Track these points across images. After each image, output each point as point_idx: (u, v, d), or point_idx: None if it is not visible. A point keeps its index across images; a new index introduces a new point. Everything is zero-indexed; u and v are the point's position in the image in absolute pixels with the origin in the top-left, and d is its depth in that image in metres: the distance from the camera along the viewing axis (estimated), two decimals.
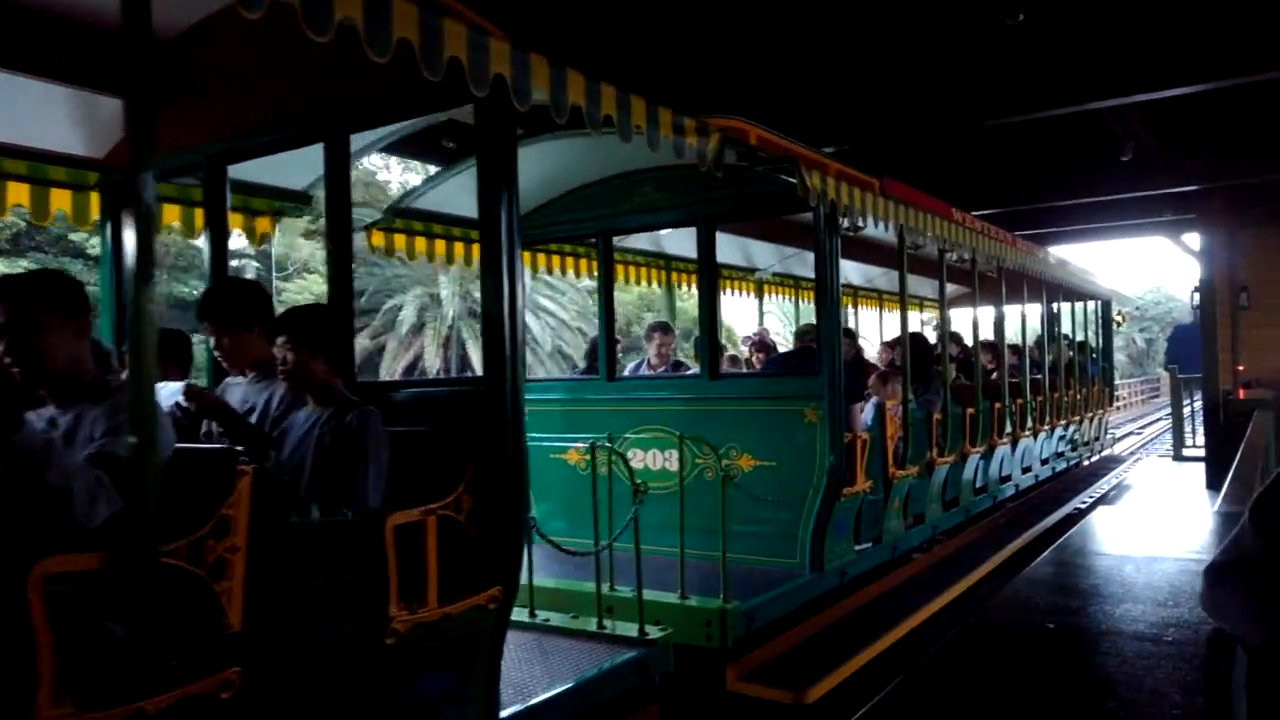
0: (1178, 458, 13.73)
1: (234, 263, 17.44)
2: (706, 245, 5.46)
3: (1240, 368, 12.22)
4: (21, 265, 19.94)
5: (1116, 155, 9.82)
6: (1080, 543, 5.48)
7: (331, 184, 3.37)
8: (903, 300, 6.48)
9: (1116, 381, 43.97)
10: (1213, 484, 10.55)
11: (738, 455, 5.21)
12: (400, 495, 2.75)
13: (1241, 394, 11.88)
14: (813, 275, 9.29)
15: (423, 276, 23.47)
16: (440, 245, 5.75)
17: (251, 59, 3.24)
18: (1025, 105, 8.10)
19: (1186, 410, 14.36)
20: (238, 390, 3.24)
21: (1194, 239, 12.86)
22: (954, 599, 6.16)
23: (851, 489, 5.16)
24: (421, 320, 24.23)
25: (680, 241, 7.76)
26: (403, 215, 5.45)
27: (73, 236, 20.03)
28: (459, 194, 5.31)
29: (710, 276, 5.58)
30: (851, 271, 9.79)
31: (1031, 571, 4.90)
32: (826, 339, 5.03)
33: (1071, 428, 11.22)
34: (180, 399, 2.90)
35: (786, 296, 10.07)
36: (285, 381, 2.95)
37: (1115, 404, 33.01)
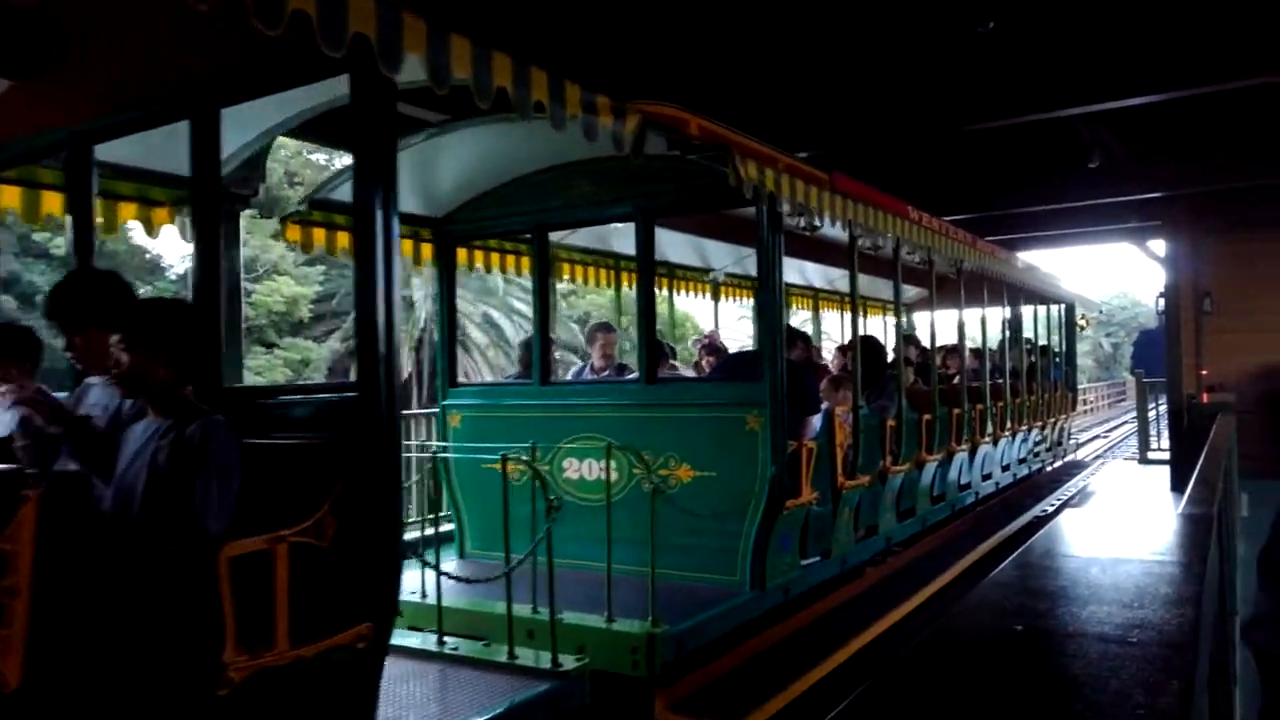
0: (1143, 460, 13.86)
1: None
2: (644, 241, 5.08)
3: (1204, 372, 12.33)
4: None
5: (1085, 162, 9.92)
6: (1047, 545, 5.48)
7: (198, 164, 2.96)
8: (854, 301, 6.21)
9: (1083, 385, 44.57)
10: (1177, 486, 10.63)
11: (676, 465, 4.86)
12: (254, 519, 2.36)
13: (1205, 398, 11.99)
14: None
15: None
16: None
17: (118, 29, 2.82)
18: (996, 112, 8.14)
19: (1151, 414, 14.52)
20: (94, 392, 2.85)
21: (1159, 245, 12.97)
22: (905, 615, 5.86)
23: (796, 500, 4.85)
24: None
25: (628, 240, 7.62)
26: (323, 207, 4.97)
27: (35, 236, 19.65)
28: None
29: (647, 274, 5.19)
30: (814, 274, 9.58)
31: (999, 574, 4.86)
32: (769, 342, 4.71)
33: (1034, 433, 10.95)
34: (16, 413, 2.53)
35: (745, 298, 9.60)
36: (118, 387, 2.54)
37: (1079, 408, 33.61)
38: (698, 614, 4.21)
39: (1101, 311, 18.08)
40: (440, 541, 4.30)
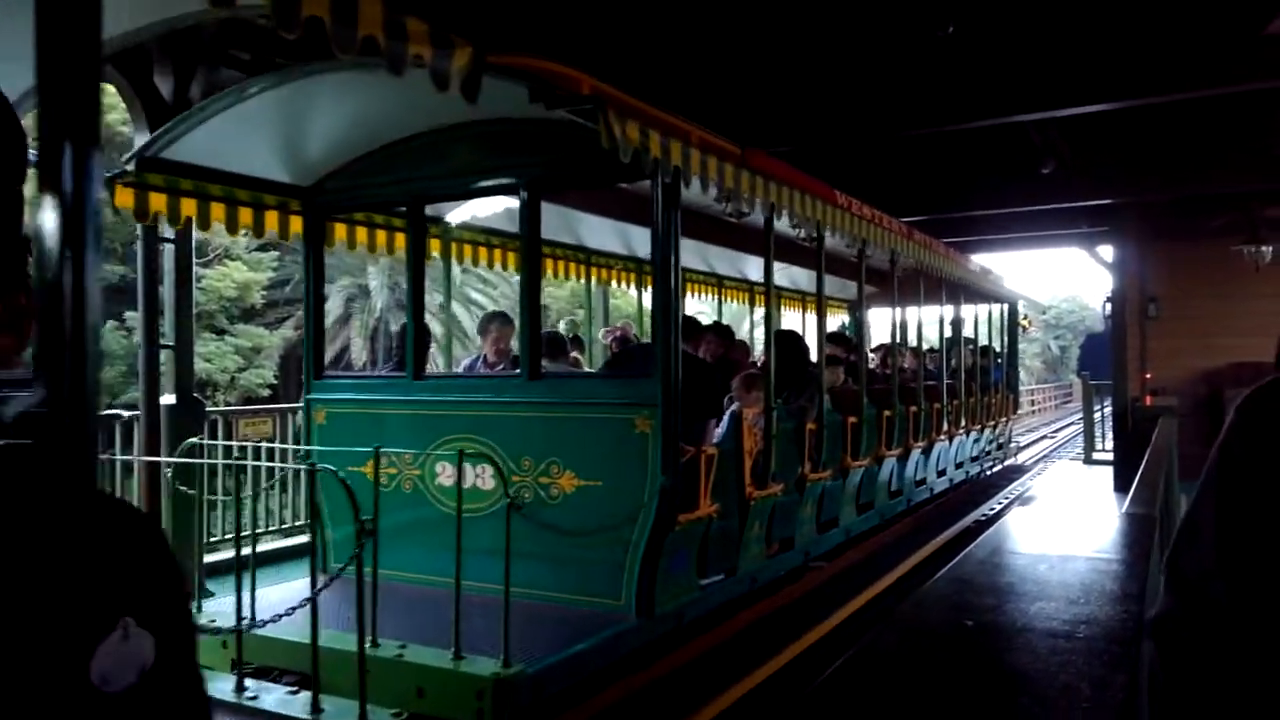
0: (1088, 461, 14.15)
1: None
2: (529, 217, 4.43)
3: (1148, 376, 12.59)
4: None
5: (1038, 168, 10.09)
6: (996, 542, 5.59)
7: None
8: (768, 293, 5.69)
9: (1031, 387, 45.36)
10: (1120, 486, 10.89)
11: (559, 472, 4.25)
12: None
13: (1148, 401, 12.27)
14: (744, 272, 8.42)
15: (351, 267, 22.85)
16: (218, 209, 4.61)
17: None
18: (952, 116, 8.25)
19: (1097, 415, 14.84)
20: None
21: (1108, 251, 13.21)
22: (822, 637, 5.29)
23: (691, 514, 4.29)
24: (349, 312, 23.61)
25: (604, 236, 7.27)
26: (160, 168, 4.30)
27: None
28: (243, 135, 4.25)
29: (532, 254, 4.54)
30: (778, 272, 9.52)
31: (950, 570, 4.96)
32: (662, 334, 4.10)
33: (973, 436, 10.51)
34: None
35: (696, 294, 9.40)
36: None
37: (1026, 409, 34.18)
38: (568, 647, 3.63)
39: (1045, 312, 18.15)
40: (308, 555, 3.82)
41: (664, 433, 4.06)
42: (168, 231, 5.35)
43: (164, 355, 5.67)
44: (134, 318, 18.88)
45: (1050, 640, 2.37)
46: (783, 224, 5.43)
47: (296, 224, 5.10)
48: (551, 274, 7.59)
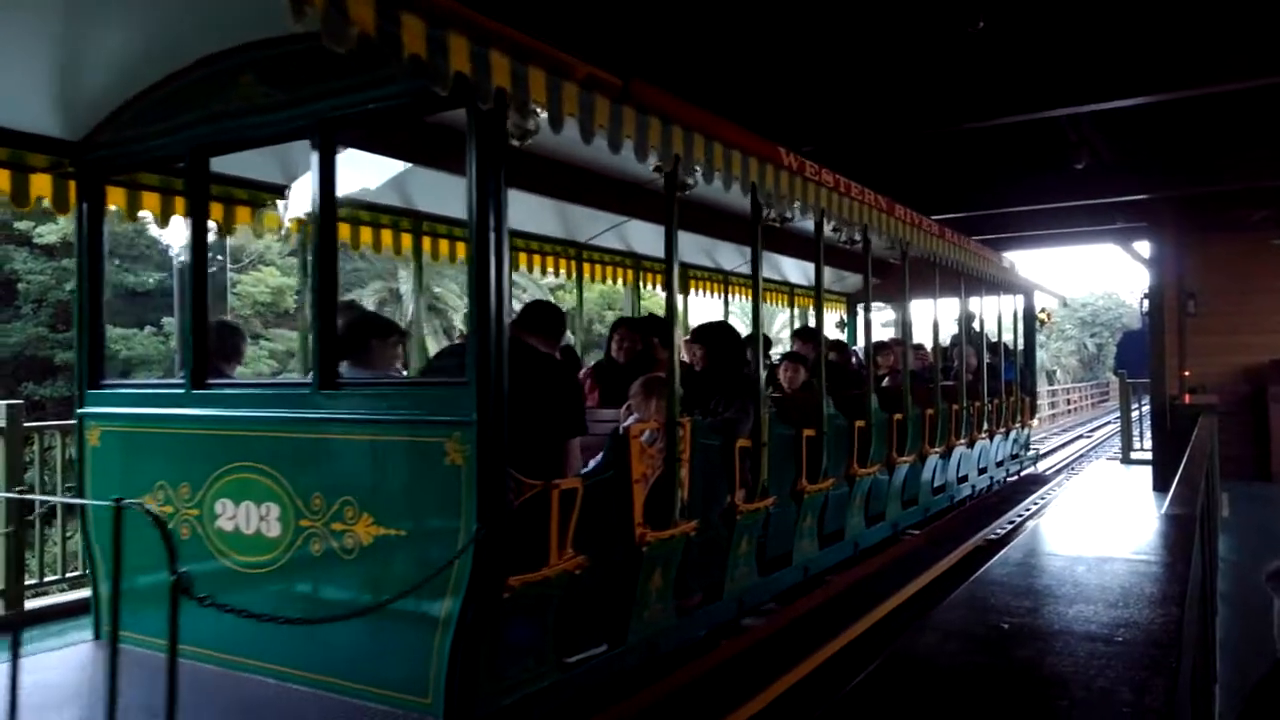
0: (1126, 460, 13.96)
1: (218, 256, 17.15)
2: (322, 169, 3.40)
3: (1186, 373, 12.41)
4: None
5: (1071, 163, 9.99)
6: (1033, 544, 5.55)
7: None
8: (669, 274, 4.28)
9: (1067, 385, 44.70)
10: (1159, 486, 10.72)
11: (354, 516, 3.24)
12: None
13: (1187, 399, 12.08)
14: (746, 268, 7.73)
15: (382, 271, 23.16)
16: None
17: None
18: (984, 112, 8.21)
19: (1135, 414, 14.63)
20: None
21: (1144, 247, 13.03)
22: None
23: (536, 573, 3.20)
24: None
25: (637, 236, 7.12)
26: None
27: (19, 224, 19.45)
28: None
29: (327, 223, 3.47)
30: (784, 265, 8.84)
31: (986, 573, 4.91)
32: (483, 324, 3.02)
33: (980, 446, 9.22)
34: None
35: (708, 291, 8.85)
36: None
37: (1063, 408, 33.71)
38: None
39: (1067, 304, 17.13)
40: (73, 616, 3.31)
41: (481, 463, 2.97)
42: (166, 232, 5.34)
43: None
44: (170, 323, 19.20)
45: (1089, 644, 2.35)
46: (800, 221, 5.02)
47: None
48: (535, 268, 7.14)
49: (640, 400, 4.45)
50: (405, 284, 23.26)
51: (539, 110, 3.09)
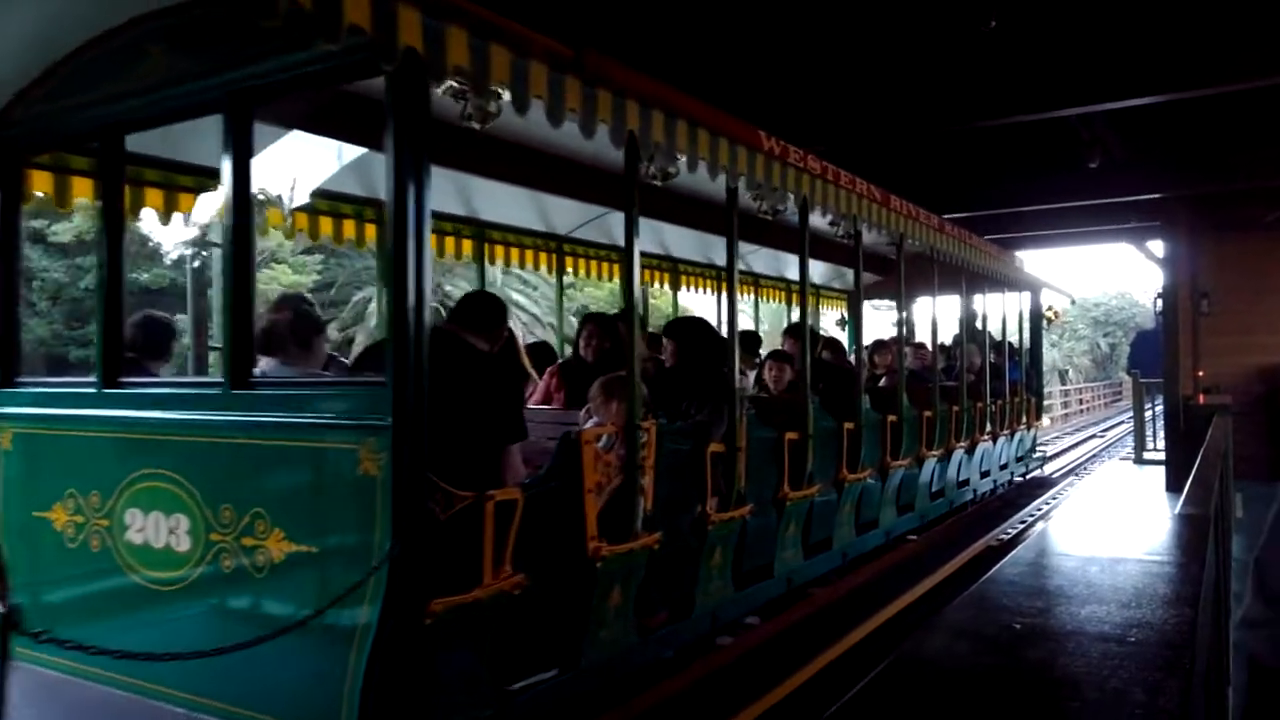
0: (1139, 461, 13.89)
1: (204, 252, 17.17)
2: (236, 143, 3.08)
3: (1200, 373, 12.36)
4: None
5: (1084, 162, 9.96)
6: (1046, 544, 5.53)
7: None
8: (628, 265, 3.97)
9: (1079, 385, 44.43)
10: (1172, 486, 10.67)
11: (265, 530, 2.92)
12: None
13: (1201, 399, 12.03)
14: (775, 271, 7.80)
15: None
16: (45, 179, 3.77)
17: None
18: (997, 111, 8.21)
19: (1148, 414, 14.56)
20: None
21: (1158, 246, 12.98)
22: None
23: (467, 595, 2.89)
24: None
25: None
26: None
27: (34, 223, 19.60)
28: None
29: (241, 207, 3.12)
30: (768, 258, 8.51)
31: (998, 572, 4.90)
32: (401, 317, 2.70)
33: (981, 449, 8.84)
34: None
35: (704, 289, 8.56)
36: None
37: (1075, 408, 33.54)
38: None
39: (1075, 302, 16.64)
40: None
41: (397, 472, 2.66)
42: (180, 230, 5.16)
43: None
44: (183, 320, 19.33)
45: (1102, 644, 2.34)
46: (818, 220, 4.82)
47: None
48: (514, 263, 6.90)
49: (600, 402, 4.08)
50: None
51: (501, 92, 2.85)
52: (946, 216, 7.79)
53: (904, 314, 7.45)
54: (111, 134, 3.50)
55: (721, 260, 8.23)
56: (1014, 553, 5.73)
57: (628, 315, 3.97)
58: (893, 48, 7.73)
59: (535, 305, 24.51)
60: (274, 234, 5.47)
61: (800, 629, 5.24)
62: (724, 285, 8.69)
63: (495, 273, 23.10)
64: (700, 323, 5.42)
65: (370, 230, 5.42)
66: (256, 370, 3.31)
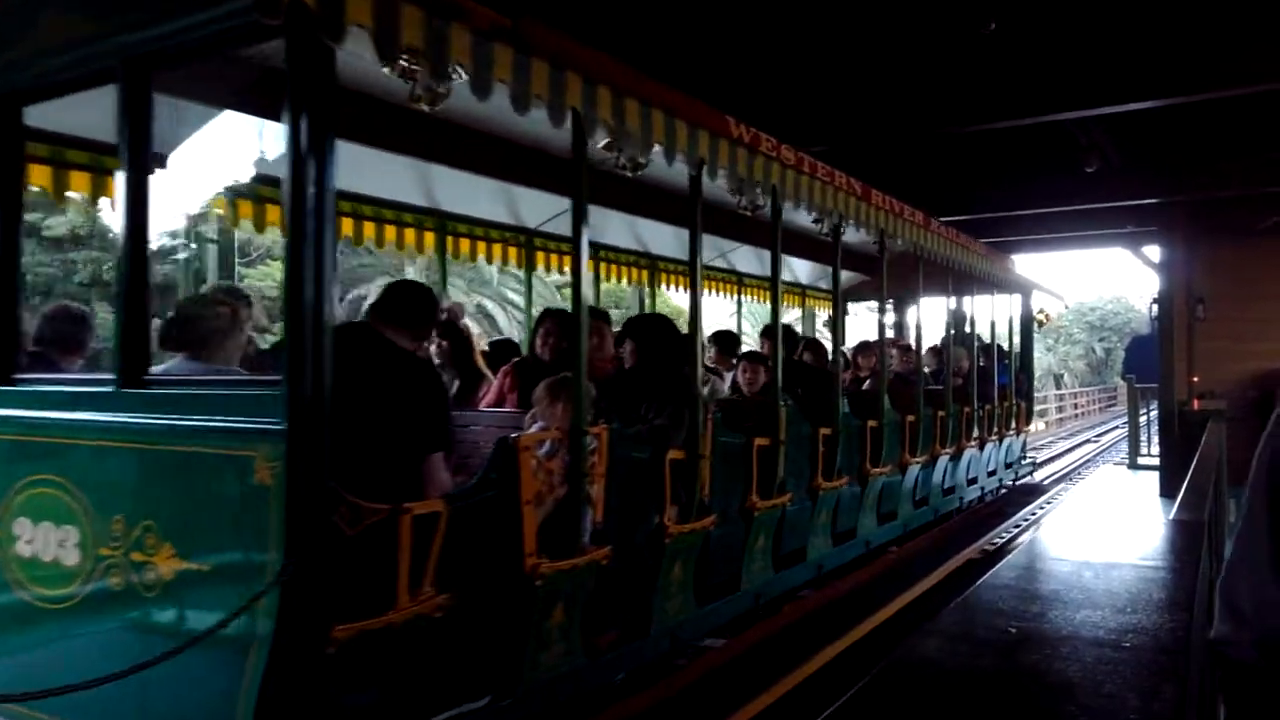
0: (1133, 466, 13.92)
1: (195, 246, 17.12)
2: (132, 116, 2.84)
3: (1195, 379, 12.38)
4: None
5: (1081, 167, 9.97)
6: (1040, 548, 5.56)
7: None
8: (576, 259, 3.58)
9: (1075, 389, 44.44)
10: (1166, 492, 10.69)
11: (155, 545, 2.64)
12: None
13: (1196, 405, 12.05)
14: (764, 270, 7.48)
15: (388, 266, 23.22)
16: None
17: None
18: (995, 114, 8.23)
19: (1142, 419, 14.59)
20: None
21: (1154, 251, 13.02)
22: None
23: (362, 624, 2.58)
24: None
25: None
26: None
27: (28, 216, 19.58)
28: None
29: (136, 186, 2.88)
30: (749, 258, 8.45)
31: (993, 577, 4.91)
32: (297, 309, 2.45)
33: (968, 455, 8.53)
34: None
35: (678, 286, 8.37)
36: None
37: (1070, 412, 33.61)
38: None
39: (1068, 306, 16.54)
40: None
41: (293, 482, 2.41)
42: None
43: None
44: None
45: (1097, 649, 2.34)
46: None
47: None
48: (480, 256, 6.62)
49: (545, 405, 3.71)
50: (412, 278, 23.32)
51: (413, 62, 2.60)
52: (944, 219, 7.79)
53: (885, 314, 7.24)
54: (7, 105, 3.23)
55: (710, 260, 8.30)
56: (1009, 557, 5.72)
57: (575, 310, 3.61)
58: (893, 50, 7.73)
59: (533, 306, 24.50)
60: (270, 231, 5.34)
61: (768, 646, 4.95)
62: (715, 283, 8.78)
63: (491, 270, 23.08)
64: (661, 321, 5.13)
65: (347, 224, 5.28)
66: (160, 368, 3.06)
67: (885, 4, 7.09)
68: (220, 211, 4.67)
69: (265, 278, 21.30)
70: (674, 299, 8.71)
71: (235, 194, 4.69)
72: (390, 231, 5.64)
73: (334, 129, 2.53)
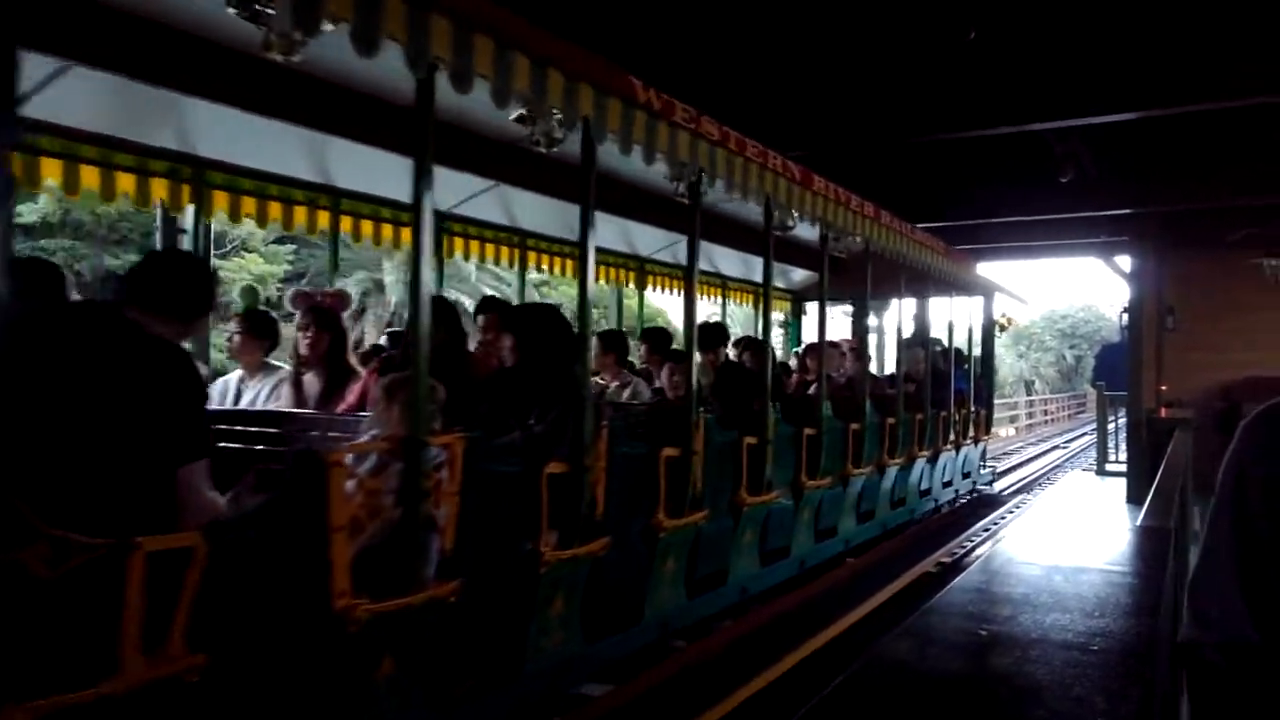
0: (1101, 472, 14.09)
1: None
2: None
3: (1163, 387, 12.55)
4: None
5: (1057, 176, 10.08)
6: (1010, 552, 5.62)
7: None
8: (417, 233, 2.80)
9: (1045, 395, 44.84)
10: (1133, 498, 10.84)
11: None
12: None
13: (1164, 413, 12.21)
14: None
15: (366, 261, 23.06)
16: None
17: None
18: (971, 123, 8.31)
19: (1111, 426, 14.78)
20: None
21: (1126, 261, 13.19)
22: None
23: (65, 698, 1.85)
24: (364, 305, 23.86)
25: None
26: None
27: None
28: None
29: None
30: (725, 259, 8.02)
31: (964, 580, 4.93)
32: None
33: (920, 465, 7.97)
34: None
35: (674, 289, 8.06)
36: None
37: (1040, 418, 33.96)
38: None
39: (1038, 317, 16.69)
40: None
41: None
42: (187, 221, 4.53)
43: None
44: None
45: (1065, 652, 2.37)
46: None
47: None
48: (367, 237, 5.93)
49: (381, 409, 3.08)
50: (390, 275, 23.16)
51: None
52: (920, 226, 7.80)
53: (826, 315, 6.50)
54: None
55: (636, 250, 7.48)
56: (980, 560, 5.72)
57: (413, 301, 2.84)
58: (873, 57, 7.78)
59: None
60: (246, 222, 5.25)
61: (656, 693, 4.22)
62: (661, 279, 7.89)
63: (469, 267, 22.94)
64: (546, 311, 4.45)
65: (322, 216, 5.15)
66: None
67: (866, 11, 7.14)
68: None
69: (239, 270, 21.07)
70: (655, 299, 8.51)
71: None
72: (386, 229, 5.57)
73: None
